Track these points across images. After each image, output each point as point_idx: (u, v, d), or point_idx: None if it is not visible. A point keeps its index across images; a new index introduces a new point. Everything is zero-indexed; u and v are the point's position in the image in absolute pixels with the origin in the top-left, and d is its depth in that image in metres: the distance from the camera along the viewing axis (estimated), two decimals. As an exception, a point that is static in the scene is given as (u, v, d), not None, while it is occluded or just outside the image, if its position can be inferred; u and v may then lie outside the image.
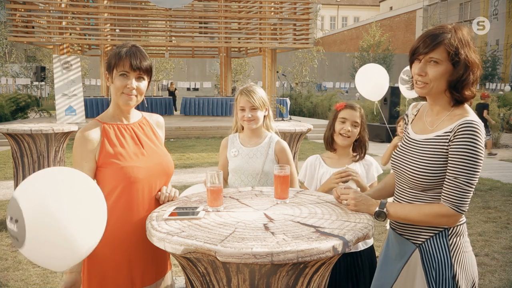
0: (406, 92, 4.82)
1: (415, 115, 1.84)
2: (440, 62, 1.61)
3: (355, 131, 2.39)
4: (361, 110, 2.43)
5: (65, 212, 1.43)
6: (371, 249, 2.38)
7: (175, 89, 22.98)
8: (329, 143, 2.45)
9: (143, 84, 1.92)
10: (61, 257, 1.48)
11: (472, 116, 1.60)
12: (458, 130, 1.57)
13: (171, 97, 19.20)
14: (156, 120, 2.11)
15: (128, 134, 1.93)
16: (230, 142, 2.55)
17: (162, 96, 19.41)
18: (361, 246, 2.34)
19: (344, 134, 2.36)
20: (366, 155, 2.48)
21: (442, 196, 1.62)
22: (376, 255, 2.45)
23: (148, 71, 1.92)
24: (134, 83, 1.88)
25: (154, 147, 1.98)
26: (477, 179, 1.58)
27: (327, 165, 2.44)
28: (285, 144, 2.53)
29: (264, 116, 2.50)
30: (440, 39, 1.60)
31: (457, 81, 1.61)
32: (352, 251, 2.31)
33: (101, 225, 1.56)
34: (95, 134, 1.86)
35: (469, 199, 1.60)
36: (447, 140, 1.61)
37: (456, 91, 1.62)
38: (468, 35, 1.63)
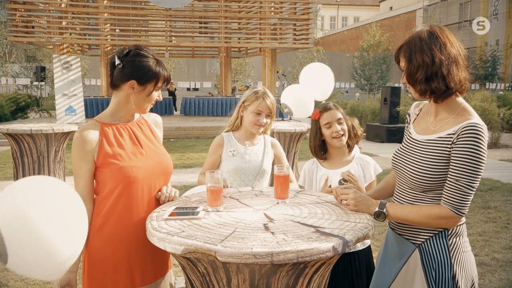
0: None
1: (417, 115, 1.84)
2: (403, 68, 1.70)
3: (345, 127, 2.38)
4: (337, 106, 2.43)
5: (43, 220, 1.42)
6: (368, 249, 2.38)
7: (175, 89, 22.96)
8: (319, 152, 2.41)
9: None
10: (46, 266, 1.47)
11: (476, 119, 1.61)
12: (462, 133, 1.57)
13: (171, 97, 19.15)
14: (154, 119, 2.12)
15: (127, 134, 1.93)
16: (226, 141, 2.51)
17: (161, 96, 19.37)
18: (359, 246, 2.33)
19: (337, 136, 2.35)
20: (364, 155, 2.48)
21: (443, 198, 1.62)
22: (374, 256, 2.45)
23: None
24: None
25: (153, 146, 1.99)
26: (478, 182, 1.58)
27: (325, 167, 2.42)
28: (275, 139, 2.60)
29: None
30: (398, 51, 1.72)
31: (422, 77, 1.63)
32: (350, 251, 2.31)
33: (83, 231, 1.57)
34: (93, 134, 1.85)
35: (469, 202, 1.60)
36: (450, 142, 1.60)
37: (427, 85, 1.64)
38: (426, 33, 1.65)
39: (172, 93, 21.86)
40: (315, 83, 4.88)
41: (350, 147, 2.44)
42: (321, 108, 2.42)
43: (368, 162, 2.42)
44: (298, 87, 4.75)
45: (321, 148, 2.40)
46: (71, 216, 1.52)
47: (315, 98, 4.98)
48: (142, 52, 1.90)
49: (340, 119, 2.37)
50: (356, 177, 2.21)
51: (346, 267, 2.31)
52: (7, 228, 1.40)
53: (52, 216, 1.45)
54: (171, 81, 23.40)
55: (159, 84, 1.93)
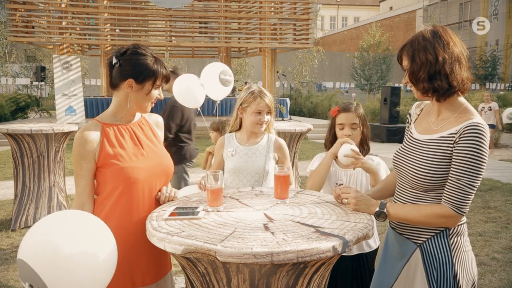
0: (214, 93, 4.61)
1: (419, 115, 1.85)
2: (406, 67, 1.69)
3: (356, 133, 2.35)
4: (358, 109, 2.38)
5: (78, 260, 1.43)
6: (376, 252, 2.37)
7: None
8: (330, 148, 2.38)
9: None
10: None
11: (478, 118, 1.61)
12: (464, 132, 1.57)
13: None
14: (155, 120, 2.11)
15: (128, 135, 1.93)
16: (226, 141, 2.52)
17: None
18: (366, 249, 2.33)
19: None
20: (375, 157, 2.46)
21: (444, 197, 1.62)
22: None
23: None
24: (161, 92, 2.00)
25: (154, 147, 1.99)
26: (479, 181, 1.58)
27: (337, 164, 2.39)
28: (283, 141, 2.55)
29: None
30: (401, 51, 1.71)
31: (425, 76, 1.63)
32: (358, 252, 2.31)
33: (113, 256, 1.57)
34: (94, 134, 1.85)
35: (470, 201, 1.60)
36: (452, 142, 1.61)
37: (429, 84, 1.64)
38: (430, 33, 1.65)
39: None
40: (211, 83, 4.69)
41: (362, 153, 2.39)
42: (341, 107, 2.39)
43: (378, 164, 2.38)
44: (192, 77, 4.56)
45: (332, 144, 2.38)
46: (99, 248, 1.52)
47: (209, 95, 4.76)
48: (140, 51, 1.89)
49: (354, 124, 2.34)
50: (360, 155, 2.18)
51: (355, 271, 2.31)
52: (48, 279, 1.40)
53: (82, 253, 1.45)
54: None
55: (158, 82, 1.92)
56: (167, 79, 1.96)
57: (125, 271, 1.87)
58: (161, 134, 2.11)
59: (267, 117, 2.43)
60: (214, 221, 1.62)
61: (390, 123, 13.00)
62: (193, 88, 4.26)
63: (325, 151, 2.48)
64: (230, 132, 2.58)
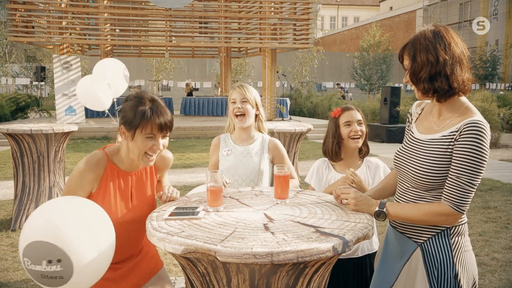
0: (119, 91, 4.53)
1: (419, 114, 1.85)
2: (407, 67, 1.69)
3: (363, 129, 2.38)
4: (358, 108, 2.44)
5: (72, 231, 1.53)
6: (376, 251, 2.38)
7: (192, 89, 22.76)
8: (336, 153, 2.38)
9: (167, 139, 1.87)
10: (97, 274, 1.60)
11: (478, 116, 1.61)
12: (464, 130, 1.57)
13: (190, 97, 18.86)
14: (162, 156, 1.99)
15: (123, 185, 1.92)
16: (222, 141, 2.56)
17: (162, 96, 19.33)
18: (367, 250, 2.34)
19: (355, 136, 2.34)
20: (374, 158, 2.47)
21: (443, 195, 1.62)
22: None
23: (172, 126, 1.84)
24: (161, 143, 1.83)
25: (144, 199, 1.97)
26: (479, 179, 1.58)
27: (336, 170, 2.41)
28: (278, 141, 2.57)
29: (256, 115, 2.52)
30: (403, 50, 1.70)
31: (426, 76, 1.63)
32: (359, 255, 2.31)
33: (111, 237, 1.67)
34: (98, 170, 1.84)
35: (470, 199, 1.60)
36: (453, 140, 1.61)
37: (430, 84, 1.64)
38: (431, 33, 1.64)
39: (190, 94, 21.77)
40: (108, 77, 4.59)
41: (362, 154, 2.42)
42: (343, 107, 2.43)
43: (377, 165, 2.41)
44: (91, 78, 4.41)
45: (338, 147, 2.38)
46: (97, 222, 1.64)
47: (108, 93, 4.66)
48: (136, 96, 1.82)
49: (360, 120, 2.38)
50: (360, 178, 2.21)
51: (355, 272, 2.31)
52: (71, 251, 1.50)
53: (85, 228, 1.58)
54: (188, 82, 23.25)
55: (148, 130, 1.78)
56: (163, 128, 1.79)
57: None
58: (164, 170, 2.09)
59: (241, 105, 2.44)
60: (214, 221, 1.62)
61: (390, 123, 12.99)
62: (98, 92, 4.17)
63: (323, 157, 2.49)
64: (226, 133, 2.62)
